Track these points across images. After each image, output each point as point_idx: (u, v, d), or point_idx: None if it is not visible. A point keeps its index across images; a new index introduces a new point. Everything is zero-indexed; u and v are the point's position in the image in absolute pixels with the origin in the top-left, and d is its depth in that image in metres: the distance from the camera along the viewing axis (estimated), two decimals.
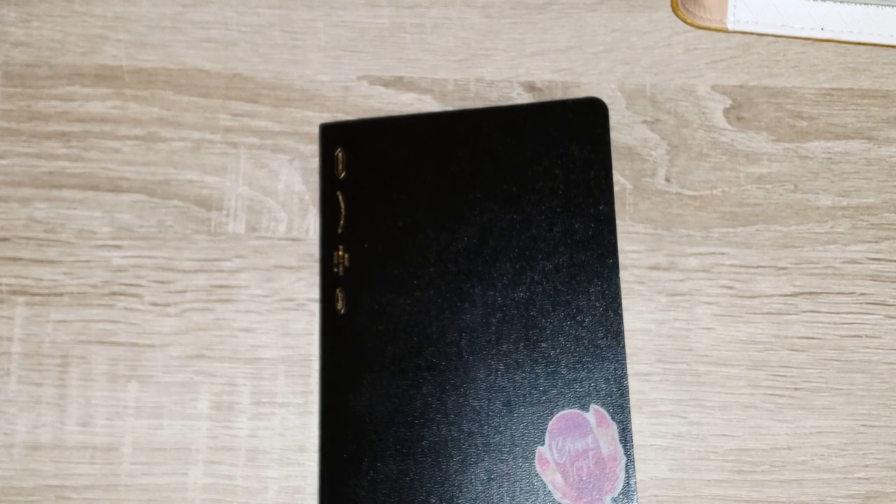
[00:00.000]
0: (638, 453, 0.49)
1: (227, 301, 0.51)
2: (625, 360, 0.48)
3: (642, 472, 0.49)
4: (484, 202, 0.50)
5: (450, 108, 0.53)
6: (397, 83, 0.53)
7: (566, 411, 0.47)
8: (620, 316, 0.48)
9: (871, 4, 0.52)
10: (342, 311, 0.49)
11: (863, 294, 0.51)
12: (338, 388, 0.48)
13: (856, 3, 0.52)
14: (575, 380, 0.48)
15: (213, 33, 0.54)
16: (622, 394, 0.47)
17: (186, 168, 0.52)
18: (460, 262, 0.49)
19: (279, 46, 0.54)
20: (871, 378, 0.50)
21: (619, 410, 0.47)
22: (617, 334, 0.48)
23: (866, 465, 0.49)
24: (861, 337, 0.50)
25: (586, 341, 0.48)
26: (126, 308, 0.51)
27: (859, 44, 0.53)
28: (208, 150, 0.53)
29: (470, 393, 0.48)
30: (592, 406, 0.47)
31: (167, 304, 0.51)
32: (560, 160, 0.50)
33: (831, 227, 0.52)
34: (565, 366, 0.48)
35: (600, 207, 0.49)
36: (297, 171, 0.52)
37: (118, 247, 0.51)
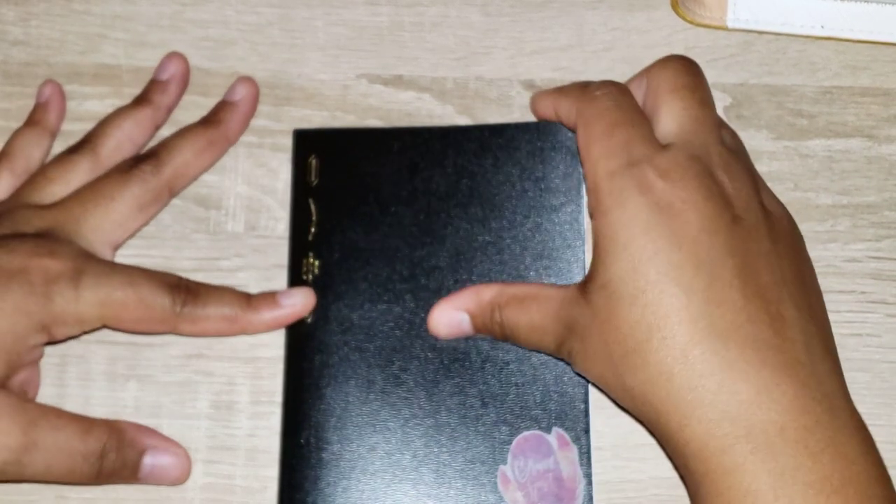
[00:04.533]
0: (638, 453, 0.49)
1: None
2: (588, 385, 0.48)
3: (642, 471, 0.49)
4: (457, 220, 0.49)
5: (449, 106, 0.53)
6: (396, 81, 0.53)
7: (529, 433, 0.47)
8: None
9: (872, 2, 0.52)
10: (309, 320, 0.49)
11: (863, 293, 0.51)
12: (301, 399, 0.48)
13: (856, 1, 0.52)
14: (539, 403, 0.48)
15: (212, 32, 0.54)
16: (582, 418, 0.47)
17: None
18: (431, 278, 0.49)
19: (278, 45, 0.54)
20: (872, 377, 0.50)
21: (580, 434, 0.47)
22: None
23: None
24: (862, 336, 0.50)
25: (551, 365, 0.48)
26: None
27: (859, 42, 0.53)
28: None
29: (435, 410, 0.48)
30: (555, 429, 0.47)
31: None
32: (533, 182, 0.50)
33: (832, 226, 0.51)
34: (530, 389, 0.48)
35: (570, 231, 0.49)
36: None
37: None
